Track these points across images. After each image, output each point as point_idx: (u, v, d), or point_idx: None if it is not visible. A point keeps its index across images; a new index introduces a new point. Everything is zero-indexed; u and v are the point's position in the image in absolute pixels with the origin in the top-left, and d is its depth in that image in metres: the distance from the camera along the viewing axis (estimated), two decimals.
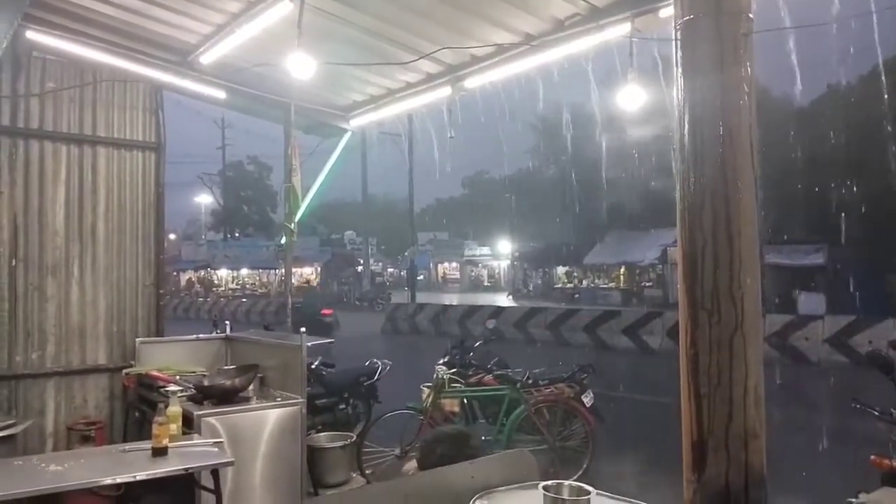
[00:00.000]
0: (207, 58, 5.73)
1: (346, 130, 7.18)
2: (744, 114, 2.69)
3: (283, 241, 7.25)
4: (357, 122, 7.10)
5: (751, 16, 2.74)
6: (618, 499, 2.30)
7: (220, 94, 6.35)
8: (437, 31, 5.18)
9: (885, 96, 19.03)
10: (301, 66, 4.37)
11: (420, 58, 5.26)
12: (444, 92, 5.98)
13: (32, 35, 5.27)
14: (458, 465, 2.42)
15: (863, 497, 3.17)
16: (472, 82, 5.72)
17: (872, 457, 3.63)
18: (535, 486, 2.24)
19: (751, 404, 2.71)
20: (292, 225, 6.78)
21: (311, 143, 7.51)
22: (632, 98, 4.52)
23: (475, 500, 2.21)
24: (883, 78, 20.55)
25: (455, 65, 5.73)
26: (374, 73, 6.15)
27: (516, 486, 2.37)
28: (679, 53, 2.79)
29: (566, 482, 2.25)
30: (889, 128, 19.43)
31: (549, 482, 2.23)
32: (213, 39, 5.48)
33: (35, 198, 5.43)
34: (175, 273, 49.17)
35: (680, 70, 2.79)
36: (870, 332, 13.54)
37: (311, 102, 6.80)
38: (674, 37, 2.77)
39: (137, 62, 5.76)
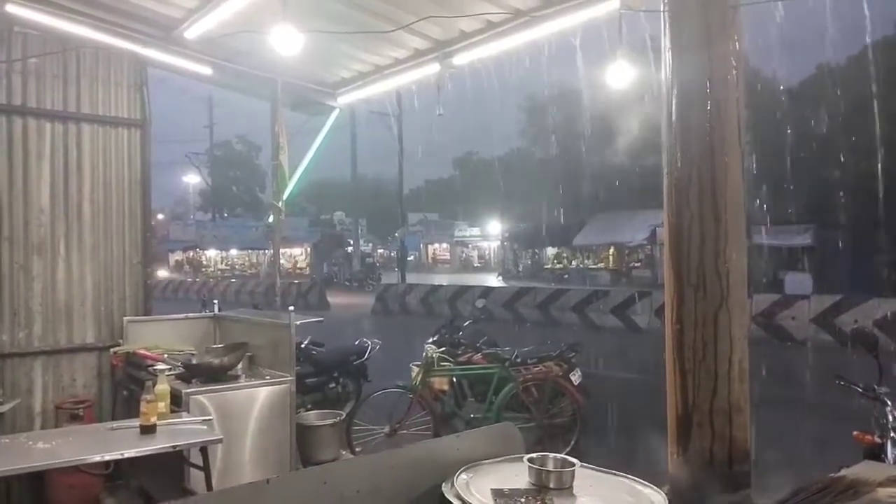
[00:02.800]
0: (192, 32, 5.64)
1: (333, 108, 7.11)
2: (731, 87, 2.69)
3: (272, 220, 7.22)
4: (345, 99, 7.03)
5: None
6: (602, 471, 2.32)
7: (206, 71, 6.26)
8: (424, 5, 5.11)
9: (874, 77, 19.05)
10: (287, 40, 4.31)
11: (404, 27, 5.18)
12: (433, 68, 5.92)
13: (13, 9, 5.16)
14: (445, 437, 2.43)
15: (844, 471, 3.22)
16: (461, 59, 5.67)
17: (855, 433, 3.68)
18: (521, 459, 2.25)
19: (735, 379, 2.73)
20: (280, 204, 6.74)
21: (299, 121, 7.46)
22: (621, 75, 4.49)
23: (461, 472, 2.23)
24: (871, 57, 20.54)
25: (443, 41, 5.67)
26: (362, 49, 6.09)
27: (502, 458, 2.38)
28: (667, 27, 2.77)
29: (551, 455, 2.27)
30: (877, 109, 19.46)
31: (534, 454, 2.25)
32: (198, 14, 5.38)
33: (19, 175, 5.35)
34: (164, 253, 48.94)
35: (668, 43, 2.78)
36: (855, 312, 13.68)
37: (299, 79, 6.73)
38: (662, 10, 2.75)
39: (121, 37, 5.66)
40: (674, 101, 2.75)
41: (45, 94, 5.48)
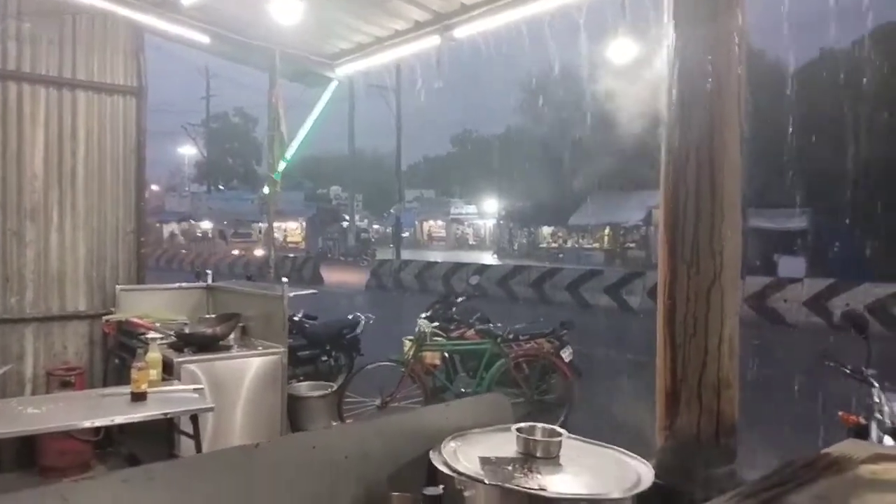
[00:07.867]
0: None
1: (332, 79, 7.04)
2: (733, 64, 2.67)
3: (267, 191, 7.17)
4: (344, 70, 6.96)
5: None
6: (589, 442, 2.33)
7: (204, 39, 6.17)
8: None
9: (877, 62, 18.96)
10: (286, 9, 4.26)
11: None
12: (433, 41, 5.85)
13: None
14: (433, 406, 2.44)
15: (829, 449, 3.25)
16: (462, 31, 5.61)
17: (841, 413, 3.72)
18: (509, 429, 2.27)
19: (725, 354, 2.75)
20: (276, 175, 6.71)
21: (296, 93, 7.38)
22: (623, 51, 4.46)
23: (449, 440, 2.24)
24: (867, 44, 20.44)
25: (444, 13, 5.61)
26: (362, 20, 6.01)
27: (490, 428, 2.40)
28: (671, 2, 2.74)
29: (539, 425, 2.28)
30: (878, 94, 19.39)
31: (523, 424, 2.27)
32: None
33: (13, 141, 5.31)
34: (158, 224, 48.78)
35: (672, 19, 2.76)
36: (848, 296, 13.76)
37: (297, 49, 6.65)
38: None
39: (117, 2, 5.57)
40: (675, 77, 2.73)
41: (40, 59, 5.42)
